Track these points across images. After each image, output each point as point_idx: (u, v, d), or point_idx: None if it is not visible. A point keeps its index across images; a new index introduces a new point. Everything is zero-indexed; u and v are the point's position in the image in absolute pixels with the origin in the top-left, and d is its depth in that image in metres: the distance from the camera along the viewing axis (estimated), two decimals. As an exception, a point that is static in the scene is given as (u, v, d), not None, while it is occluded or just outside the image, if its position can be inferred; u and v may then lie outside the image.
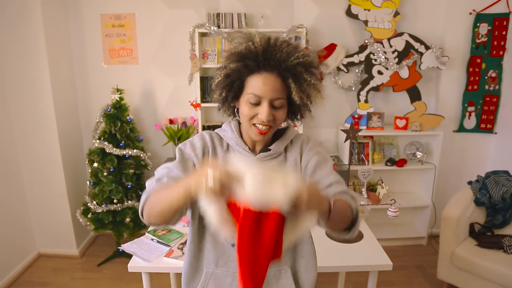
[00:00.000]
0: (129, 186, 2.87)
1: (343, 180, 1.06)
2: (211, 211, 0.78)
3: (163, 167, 1.04)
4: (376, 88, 3.04)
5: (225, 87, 0.99)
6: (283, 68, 0.94)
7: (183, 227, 1.97)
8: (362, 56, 3.00)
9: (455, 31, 3.01)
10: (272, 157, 1.07)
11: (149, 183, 1.02)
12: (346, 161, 3.03)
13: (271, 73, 0.94)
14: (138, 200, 2.92)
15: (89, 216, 2.87)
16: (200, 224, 1.08)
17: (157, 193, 0.94)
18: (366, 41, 2.96)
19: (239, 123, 1.10)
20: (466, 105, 3.15)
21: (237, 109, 1.06)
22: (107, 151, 2.75)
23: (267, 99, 0.95)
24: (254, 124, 0.99)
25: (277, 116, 0.98)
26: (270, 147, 1.07)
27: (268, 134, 1.01)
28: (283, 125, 1.12)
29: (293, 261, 1.13)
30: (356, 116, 3.07)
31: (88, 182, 2.92)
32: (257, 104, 0.96)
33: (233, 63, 0.95)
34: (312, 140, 1.13)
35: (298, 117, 1.07)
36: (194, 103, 2.91)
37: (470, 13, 2.96)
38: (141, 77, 3.14)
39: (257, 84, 0.95)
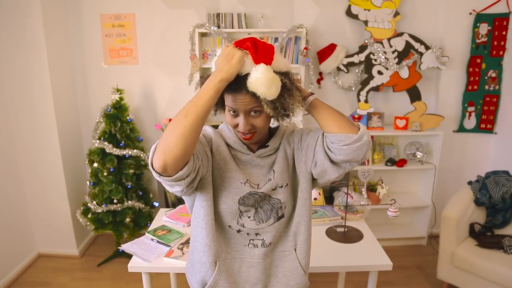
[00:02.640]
0: (129, 186, 2.87)
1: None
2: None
3: None
4: (376, 88, 3.04)
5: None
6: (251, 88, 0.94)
7: (183, 227, 1.98)
8: (362, 56, 3.00)
9: (455, 31, 3.01)
10: (269, 153, 1.12)
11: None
12: (346, 161, 3.02)
13: (239, 92, 0.96)
14: (138, 200, 2.96)
15: (89, 216, 2.87)
16: (201, 219, 1.10)
17: (174, 118, 0.90)
18: (366, 41, 2.96)
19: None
20: (466, 105, 3.15)
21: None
22: (107, 151, 2.76)
23: (242, 111, 1.00)
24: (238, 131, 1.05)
25: (256, 124, 1.02)
26: (267, 144, 1.12)
27: (254, 138, 1.06)
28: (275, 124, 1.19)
29: (294, 245, 1.18)
30: (356, 116, 3.07)
31: (88, 182, 2.92)
32: (237, 115, 1.02)
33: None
34: (297, 128, 1.18)
35: (284, 118, 1.05)
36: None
37: (470, 13, 2.96)
38: (141, 77, 3.14)
39: (229, 100, 1.00)
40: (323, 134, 1.05)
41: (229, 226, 1.11)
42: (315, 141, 1.07)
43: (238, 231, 1.12)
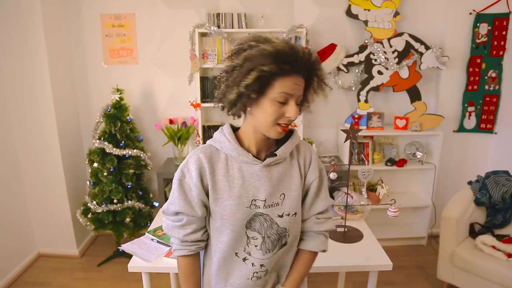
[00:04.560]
0: (129, 186, 2.87)
1: (331, 202, 1.20)
2: None
3: (172, 214, 1.08)
4: (376, 88, 3.04)
5: (252, 89, 0.94)
6: (309, 69, 0.98)
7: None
8: (362, 56, 3.00)
9: (455, 31, 3.01)
10: (277, 162, 1.06)
11: (171, 226, 1.10)
12: (346, 161, 3.03)
13: (300, 75, 0.97)
14: (138, 200, 2.97)
15: (89, 216, 2.87)
16: (207, 246, 1.13)
17: (184, 274, 1.12)
18: (366, 41, 2.96)
19: (233, 130, 1.09)
20: (466, 105, 3.15)
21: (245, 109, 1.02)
22: (107, 151, 2.76)
23: (295, 97, 0.98)
24: (278, 123, 1.00)
25: (298, 114, 1.01)
26: (276, 152, 1.06)
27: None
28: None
29: (290, 262, 1.18)
30: (356, 116, 3.07)
31: (88, 182, 2.92)
32: (284, 103, 0.97)
33: (266, 66, 0.91)
34: (315, 152, 1.17)
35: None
36: (194, 103, 2.91)
37: (470, 13, 2.97)
38: (141, 77, 3.14)
39: (289, 84, 0.95)
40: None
41: (236, 254, 1.07)
42: (318, 201, 1.16)
43: (244, 259, 1.07)
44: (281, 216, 1.06)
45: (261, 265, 1.08)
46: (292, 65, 0.93)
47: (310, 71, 0.98)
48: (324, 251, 1.18)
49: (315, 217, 1.15)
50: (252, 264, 1.07)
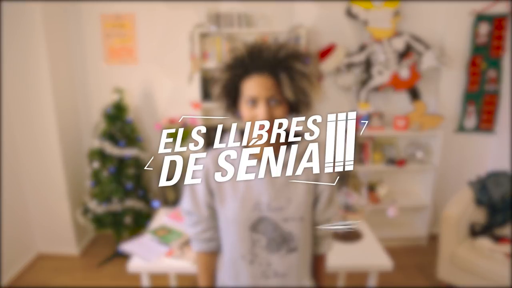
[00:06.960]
0: (129, 186, 2.87)
1: (338, 208, 1.20)
2: None
3: (186, 214, 1.17)
4: (376, 88, 3.04)
5: (224, 97, 1.03)
6: (273, 65, 0.95)
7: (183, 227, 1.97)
8: (362, 56, 2.99)
9: (455, 31, 3.01)
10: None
11: (186, 224, 1.19)
12: (346, 161, 3.02)
13: (261, 74, 0.96)
14: (138, 200, 2.96)
15: (89, 216, 2.87)
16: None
17: (199, 269, 1.22)
18: (366, 41, 2.96)
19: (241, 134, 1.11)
20: (466, 105, 3.15)
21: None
22: (107, 151, 2.75)
23: (262, 98, 0.96)
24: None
25: (276, 115, 0.98)
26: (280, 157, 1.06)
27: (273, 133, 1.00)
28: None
29: (311, 276, 1.18)
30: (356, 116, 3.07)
31: (88, 182, 2.92)
32: (255, 105, 0.97)
33: (224, 74, 0.99)
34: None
35: (299, 114, 1.05)
36: (194, 103, 2.91)
37: (470, 13, 2.96)
38: (141, 77, 3.14)
39: (250, 86, 0.97)
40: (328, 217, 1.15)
41: (243, 257, 1.08)
42: (328, 209, 1.14)
43: (251, 261, 1.08)
44: (286, 220, 1.05)
45: (268, 264, 1.08)
46: (247, 67, 0.96)
47: (277, 67, 0.95)
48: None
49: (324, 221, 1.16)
50: (259, 263, 1.09)
